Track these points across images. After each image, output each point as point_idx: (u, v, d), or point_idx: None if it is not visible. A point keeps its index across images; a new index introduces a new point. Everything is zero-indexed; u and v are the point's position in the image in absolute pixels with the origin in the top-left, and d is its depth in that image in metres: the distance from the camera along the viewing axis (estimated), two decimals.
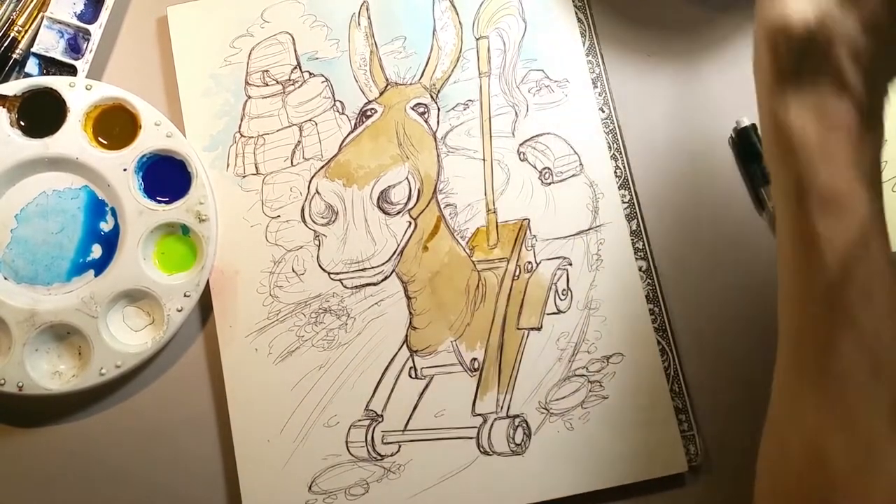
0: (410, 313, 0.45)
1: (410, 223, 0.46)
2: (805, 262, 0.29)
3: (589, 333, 0.45)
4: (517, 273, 0.45)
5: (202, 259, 0.44)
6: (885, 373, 0.28)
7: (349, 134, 0.47)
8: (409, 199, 0.46)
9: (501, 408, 0.45)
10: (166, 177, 0.45)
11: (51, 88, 0.45)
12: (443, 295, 0.45)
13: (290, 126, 0.47)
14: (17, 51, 0.46)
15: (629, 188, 0.46)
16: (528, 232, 0.46)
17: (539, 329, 0.45)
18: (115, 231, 0.45)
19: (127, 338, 0.45)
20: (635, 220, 0.46)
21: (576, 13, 0.48)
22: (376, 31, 0.48)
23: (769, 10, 0.29)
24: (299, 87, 0.47)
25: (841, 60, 0.28)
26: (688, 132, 0.48)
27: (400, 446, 0.44)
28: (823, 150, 0.28)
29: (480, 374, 0.45)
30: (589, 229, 0.46)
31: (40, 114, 0.45)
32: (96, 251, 0.45)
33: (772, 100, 0.30)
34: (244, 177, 0.46)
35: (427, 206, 0.46)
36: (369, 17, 0.48)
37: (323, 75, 0.47)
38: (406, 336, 0.45)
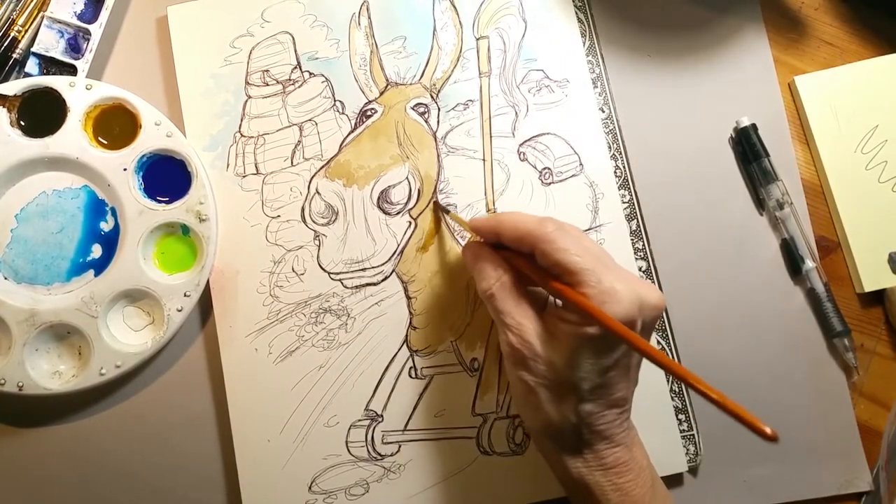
0: (410, 313, 0.45)
1: (410, 223, 0.46)
2: None
3: None
4: None
5: (202, 259, 0.44)
6: None
7: (349, 134, 0.47)
8: (409, 199, 0.46)
9: (501, 408, 0.45)
10: (166, 177, 0.45)
11: (51, 88, 0.45)
12: (443, 295, 0.45)
13: (290, 126, 0.47)
14: (17, 50, 0.46)
15: (629, 188, 0.46)
16: None
17: None
18: (115, 231, 0.45)
19: (127, 338, 0.45)
20: (635, 220, 0.46)
21: (576, 13, 0.48)
22: (376, 31, 0.48)
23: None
24: (299, 86, 0.47)
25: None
26: (688, 132, 0.48)
27: (400, 446, 0.44)
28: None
29: (480, 374, 0.45)
30: (589, 229, 0.46)
31: (40, 114, 0.45)
32: (96, 251, 0.45)
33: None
34: (244, 177, 0.46)
35: (427, 205, 0.46)
36: (369, 17, 0.48)
37: (323, 75, 0.47)
38: (406, 336, 0.45)
